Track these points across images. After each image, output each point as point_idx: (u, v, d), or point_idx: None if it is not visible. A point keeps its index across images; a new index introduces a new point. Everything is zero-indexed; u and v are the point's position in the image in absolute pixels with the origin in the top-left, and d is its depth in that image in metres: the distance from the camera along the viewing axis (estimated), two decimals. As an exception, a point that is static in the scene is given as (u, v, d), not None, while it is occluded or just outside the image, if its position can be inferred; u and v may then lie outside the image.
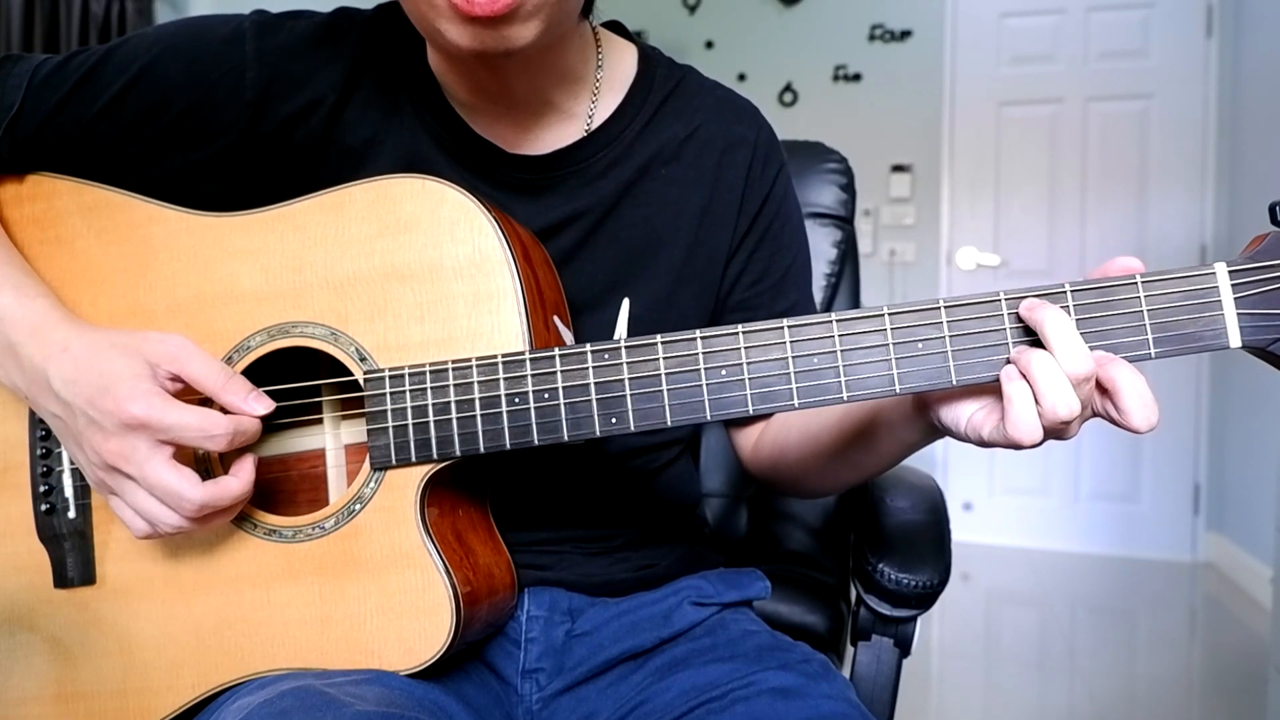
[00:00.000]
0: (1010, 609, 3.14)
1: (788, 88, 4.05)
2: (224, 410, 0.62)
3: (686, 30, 4.15)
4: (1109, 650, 2.71)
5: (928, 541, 0.86)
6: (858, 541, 0.88)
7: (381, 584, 0.63)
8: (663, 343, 0.59)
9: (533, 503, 0.74)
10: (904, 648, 0.85)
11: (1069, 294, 0.55)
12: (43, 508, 0.69)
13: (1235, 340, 0.54)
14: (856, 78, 3.99)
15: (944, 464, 3.85)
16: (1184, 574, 3.47)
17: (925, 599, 0.83)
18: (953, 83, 3.88)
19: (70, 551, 0.68)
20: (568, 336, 0.68)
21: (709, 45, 4.13)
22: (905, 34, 3.93)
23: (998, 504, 3.85)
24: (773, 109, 4.01)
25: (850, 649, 0.88)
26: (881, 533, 0.86)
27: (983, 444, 0.58)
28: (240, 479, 0.63)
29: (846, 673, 0.85)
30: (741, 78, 4.06)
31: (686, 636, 0.75)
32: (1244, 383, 3.29)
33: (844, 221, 1.23)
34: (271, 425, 0.71)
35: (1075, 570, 3.51)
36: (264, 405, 0.63)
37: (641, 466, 0.81)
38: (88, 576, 0.68)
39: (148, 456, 0.60)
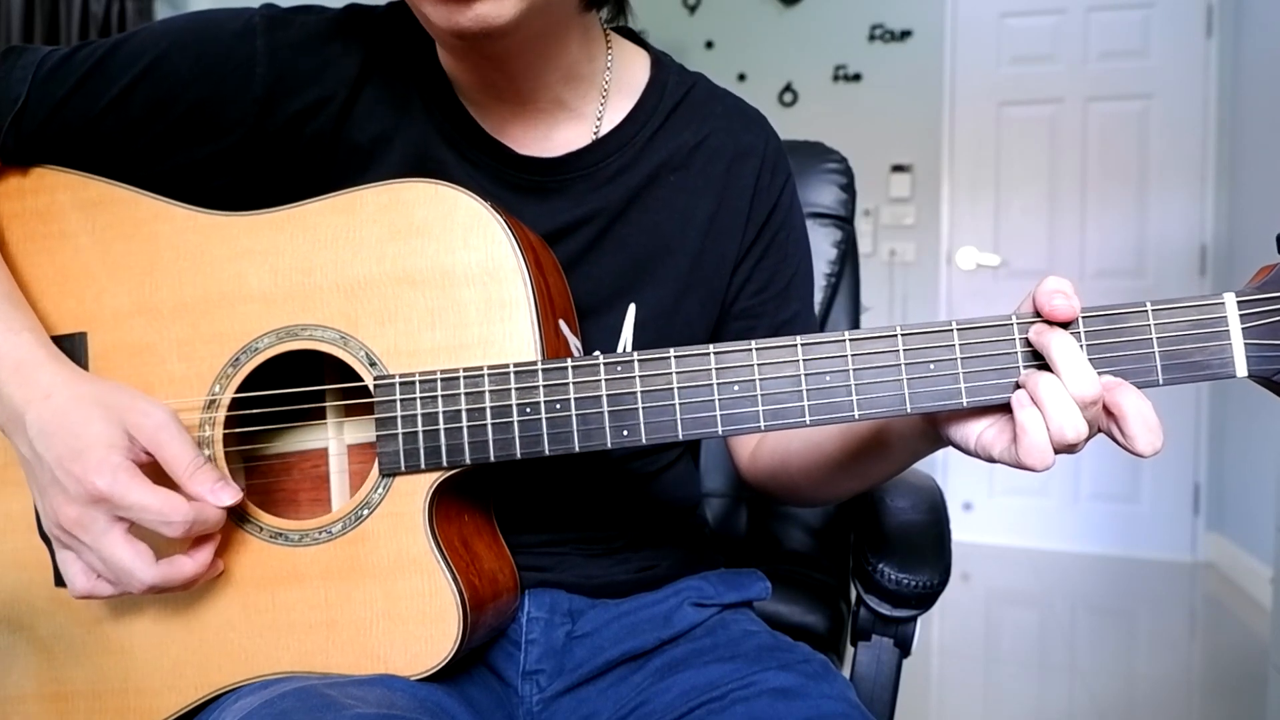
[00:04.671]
0: (1010, 609, 3.14)
1: (788, 88, 4.04)
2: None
3: (686, 30, 4.14)
4: (1109, 650, 2.71)
5: (928, 542, 0.86)
6: (858, 541, 0.89)
7: (388, 589, 0.63)
8: (676, 356, 0.59)
9: (534, 505, 0.74)
10: (904, 648, 0.85)
11: (1080, 319, 0.55)
12: (44, 507, 0.69)
13: (1242, 370, 0.55)
14: (856, 78, 3.99)
15: (944, 464, 3.85)
16: (1184, 574, 3.47)
17: (925, 599, 0.83)
18: (953, 83, 3.88)
19: (72, 551, 0.68)
20: (574, 342, 0.68)
21: (709, 45, 4.13)
22: (905, 34, 3.93)
23: (998, 504, 3.85)
24: (773, 109, 4.01)
25: (850, 649, 0.88)
26: (882, 533, 0.86)
27: (992, 461, 0.58)
28: (196, 561, 0.61)
29: (846, 673, 0.85)
30: (741, 78, 4.07)
31: (687, 637, 0.75)
32: (1244, 383, 3.29)
33: (844, 221, 1.24)
34: (275, 425, 0.72)
35: (1075, 570, 3.51)
36: (230, 495, 0.61)
37: (642, 468, 0.81)
38: (88, 576, 0.68)
39: (105, 530, 0.59)
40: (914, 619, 0.84)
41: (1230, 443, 3.45)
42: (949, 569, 0.84)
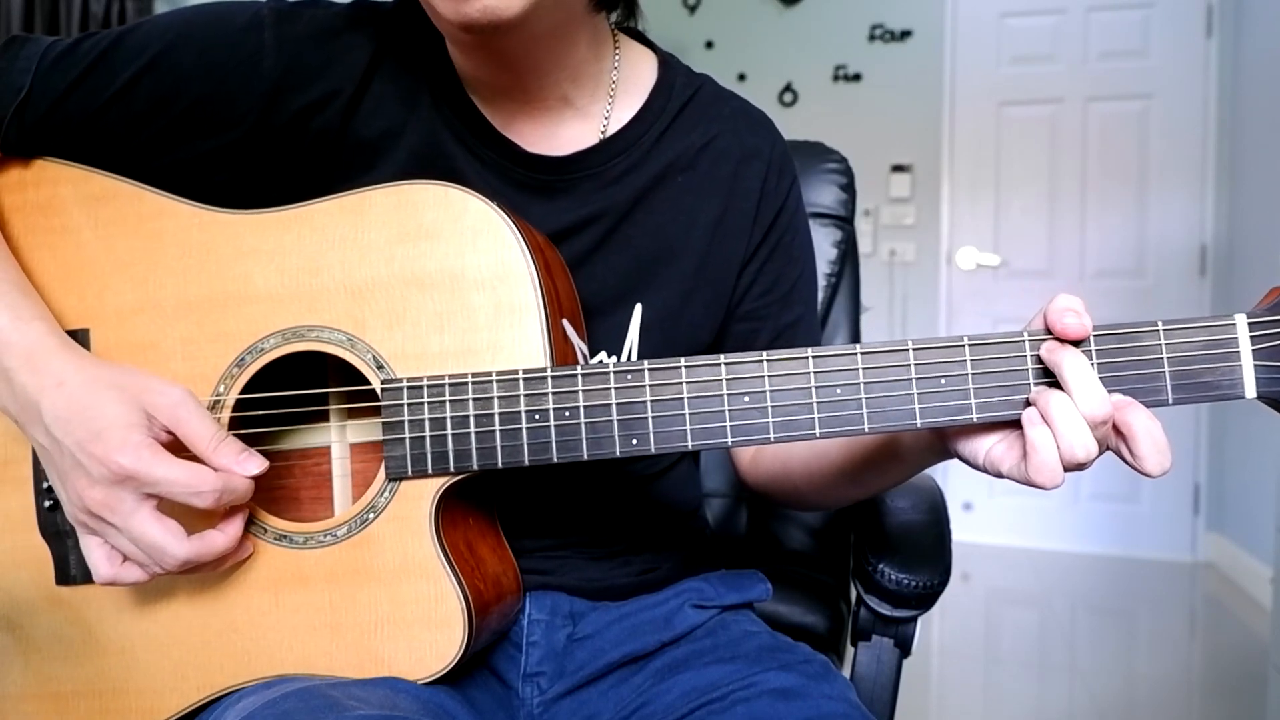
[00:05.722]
0: (1010, 609, 3.14)
1: (788, 88, 4.04)
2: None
3: (686, 30, 4.14)
4: (1109, 650, 2.71)
5: (928, 542, 0.86)
6: (858, 542, 0.89)
7: (393, 594, 0.63)
8: (686, 366, 0.59)
9: (535, 508, 0.74)
10: (904, 648, 0.85)
11: (1092, 338, 0.55)
12: (46, 504, 0.68)
13: (1251, 391, 0.54)
14: (856, 78, 3.99)
15: (944, 464, 3.85)
16: (1184, 574, 3.47)
17: (925, 599, 0.83)
18: (953, 83, 3.88)
19: (73, 549, 0.67)
20: (579, 345, 0.68)
21: (709, 45, 4.13)
22: (905, 34, 3.93)
23: (998, 504, 3.85)
24: (773, 109, 4.01)
25: (850, 649, 0.88)
26: (882, 533, 0.86)
27: (999, 476, 0.58)
28: (226, 535, 0.61)
29: (847, 673, 0.85)
30: (741, 78, 4.06)
31: (687, 639, 0.75)
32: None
33: (844, 221, 1.24)
34: (278, 422, 0.71)
35: (1075, 570, 3.51)
36: (256, 465, 0.61)
37: (644, 471, 0.81)
38: (91, 574, 0.68)
39: (134, 509, 0.59)
40: (914, 619, 0.84)
41: (1230, 443, 3.45)
42: (949, 569, 0.84)
